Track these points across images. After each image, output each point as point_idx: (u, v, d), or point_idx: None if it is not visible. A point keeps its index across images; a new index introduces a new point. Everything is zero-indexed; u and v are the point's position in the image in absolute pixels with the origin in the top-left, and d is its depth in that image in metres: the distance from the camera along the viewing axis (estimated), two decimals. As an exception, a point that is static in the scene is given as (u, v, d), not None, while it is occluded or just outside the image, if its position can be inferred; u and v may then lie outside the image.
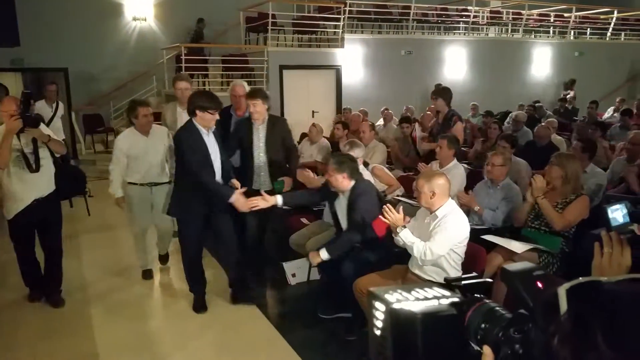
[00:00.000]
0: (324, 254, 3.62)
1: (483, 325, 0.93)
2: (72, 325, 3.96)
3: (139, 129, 4.44)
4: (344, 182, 3.75)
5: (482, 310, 0.95)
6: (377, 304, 0.78)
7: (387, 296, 0.74)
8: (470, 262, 3.38)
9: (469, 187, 4.61)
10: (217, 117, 3.82)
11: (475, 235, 3.69)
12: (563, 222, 3.59)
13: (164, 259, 5.10)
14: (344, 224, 3.89)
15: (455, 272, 3.28)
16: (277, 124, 4.60)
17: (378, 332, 0.77)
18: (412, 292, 0.73)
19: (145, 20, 12.45)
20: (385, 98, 10.97)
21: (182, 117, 4.56)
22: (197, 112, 3.77)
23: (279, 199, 3.90)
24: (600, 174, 4.78)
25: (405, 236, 3.21)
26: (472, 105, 11.09)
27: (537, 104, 11.09)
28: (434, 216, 3.28)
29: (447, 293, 0.74)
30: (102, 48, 11.85)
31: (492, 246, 3.69)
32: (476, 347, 0.95)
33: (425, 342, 0.80)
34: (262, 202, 3.79)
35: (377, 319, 0.78)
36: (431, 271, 3.27)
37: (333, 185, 3.79)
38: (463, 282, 3.26)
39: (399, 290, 0.76)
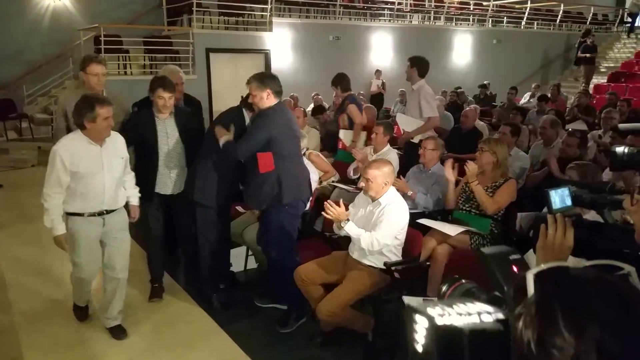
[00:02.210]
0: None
1: None
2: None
3: (93, 136, 3.21)
4: (266, 102, 3.49)
5: (461, 290, 0.96)
6: (418, 318, 0.75)
7: (430, 310, 0.72)
8: (407, 246, 3.47)
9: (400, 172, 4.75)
10: None
11: (411, 220, 3.79)
12: (495, 206, 3.76)
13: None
14: None
15: (395, 257, 3.36)
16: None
17: (420, 348, 0.75)
18: (454, 307, 0.72)
19: (59, -1, 11.64)
20: (315, 83, 10.97)
21: None
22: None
23: None
24: (524, 157, 5.03)
25: (350, 229, 3.23)
26: (400, 91, 11.33)
27: (459, 90, 11.50)
28: (376, 204, 3.32)
29: (490, 309, 0.73)
30: (11, 29, 10.97)
31: (427, 230, 3.81)
32: None
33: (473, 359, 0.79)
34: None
35: (418, 333, 0.75)
36: (372, 257, 3.32)
37: (256, 106, 3.55)
38: (402, 266, 3.32)
39: (440, 305, 0.74)
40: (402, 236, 3.35)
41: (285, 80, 10.44)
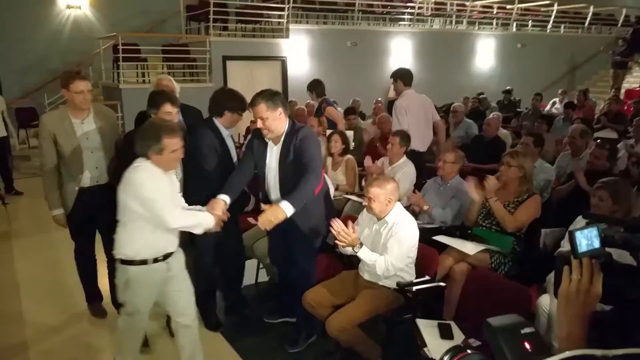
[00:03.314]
0: (287, 208, 2.93)
1: None
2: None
3: (163, 166, 2.70)
4: (281, 123, 3.19)
5: None
6: None
7: None
8: (423, 264, 3.28)
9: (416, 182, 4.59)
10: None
11: (426, 236, 3.59)
12: (515, 224, 3.53)
13: None
14: (274, 180, 3.31)
15: (408, 275, 3.17)
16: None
17: None
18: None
19: (80, 8, 11.78)
20: (331, 90, 10.74)
21: (81, 129, 3.55)
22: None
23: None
24: (548, 169, 4.77)
25: (365, 256, 3.04)
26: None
27: (481, 96, 11.21)
28: (383, 223, 3.13)
29: None
30: (33, 38, 11.12)
31: (444, 247, 3.59)
32: None
33: None
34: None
35: None
36: (386, 277, 3.12)
37: (268, 130, 3.18)
38: (416, 287, 3.11)
39: None
40: (414, 253, 3.16)
41: (300, 87, 10.46)
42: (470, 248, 3.47)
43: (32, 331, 3.82)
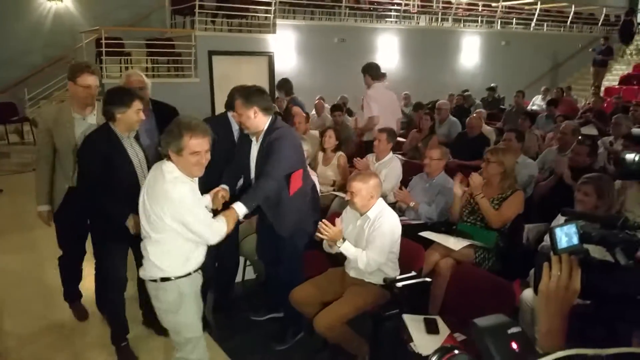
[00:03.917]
0: (240, 209, 2.87)
1: None
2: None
3: (184, 169, 2.47)
4: (255, 121, 3.16)
5: None
6: None
7: None
8: (409, 260, 3.31)
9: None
10: None
11: (412, 232, 3.64)
12: (500, 219, 3.59)
13: None
14: (253, 175, 3.32)
15: (393, 271, 3.20)
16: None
17: None
18: None
19: (61, 1, 11.56)
20: (319, 86, 10.81)
21: (81, 125, 3.40)
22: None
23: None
24: (531, 165, 4.85)
25: (347, 250, 3.07)
26: (404, 94, 11.14)
27: (465, 93, 11.30)
28: (365, 218, 3.16)
29: None
30: (13, 31, 10.91)
31: (430, 243, 3.63)
32: None
33: None
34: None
35: None
36: (371, 275, 3.15)
37: (244, 126, 3.21)
38: (402, 282, 3.14)
39: None
40: (397, 248, 3.19)
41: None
42: (455, 243, 3.52)
43: (12, 341, 3.66)
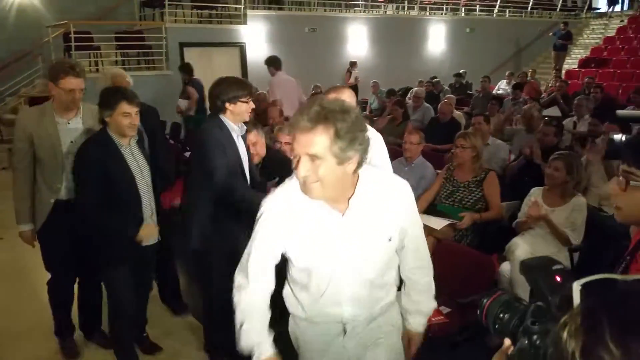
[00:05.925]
0: None
1: (501, 315, 0.96)
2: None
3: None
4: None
5: (501, 300, 0.98)
6: None
7: None
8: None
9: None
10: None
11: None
12: (500, 210, 3.86)
13: None
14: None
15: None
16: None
17: None
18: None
19: (24, -6, 11.29)
20: (292, 76, 10.88)
21: (65, 130, 3.05)
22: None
23: None
24: (503, 146, 5.11)
25: None
26: (372, 82, 11.32)
27: (434, 80, 11.57)
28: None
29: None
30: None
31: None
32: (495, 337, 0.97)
33: None
34: None
35: None
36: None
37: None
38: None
39: None
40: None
41: (261, 74, 10.50)
42: (436, 222, 3.73)
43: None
